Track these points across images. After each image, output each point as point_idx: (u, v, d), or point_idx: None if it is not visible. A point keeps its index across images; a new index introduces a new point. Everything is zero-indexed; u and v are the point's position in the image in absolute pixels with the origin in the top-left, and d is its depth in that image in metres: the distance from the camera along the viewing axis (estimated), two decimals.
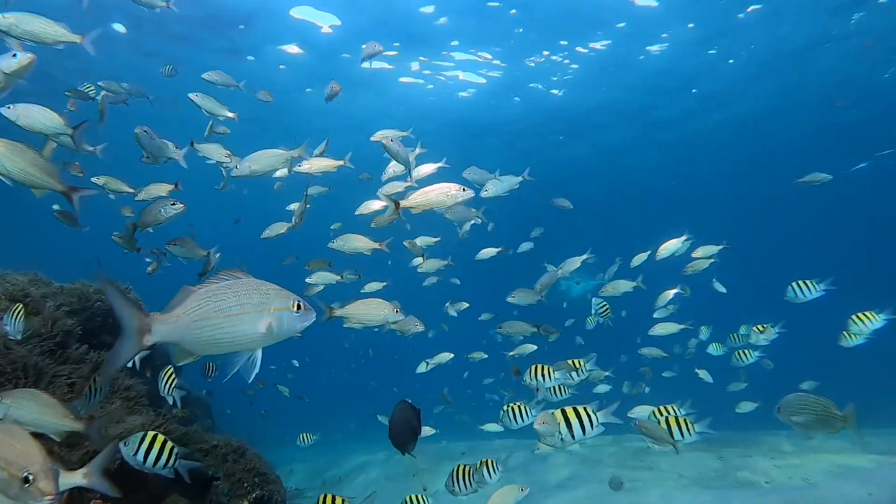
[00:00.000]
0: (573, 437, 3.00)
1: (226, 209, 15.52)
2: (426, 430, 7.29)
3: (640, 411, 6.45)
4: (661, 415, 3.83)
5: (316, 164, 4.57)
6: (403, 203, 3.62)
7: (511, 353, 6.67)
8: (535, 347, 6.48)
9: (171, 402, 4.44)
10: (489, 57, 13.88)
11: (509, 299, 5.80)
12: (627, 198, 25.53)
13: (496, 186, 4.27)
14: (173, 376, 4.46)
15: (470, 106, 16.46)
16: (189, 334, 1.95)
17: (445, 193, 3.40)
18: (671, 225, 6.44)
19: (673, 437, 3.66)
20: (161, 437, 2.87)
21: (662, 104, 16.75)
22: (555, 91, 15.86)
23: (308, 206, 4.92)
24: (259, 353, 2.05)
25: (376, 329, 3.76)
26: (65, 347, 4.24)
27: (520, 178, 4.45)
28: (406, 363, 8.07)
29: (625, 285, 6.07)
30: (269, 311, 2.00)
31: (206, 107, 5.11)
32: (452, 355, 6.87)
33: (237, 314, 1.96)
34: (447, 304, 7.64)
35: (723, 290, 7.27)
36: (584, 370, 4.52)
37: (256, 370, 2.02)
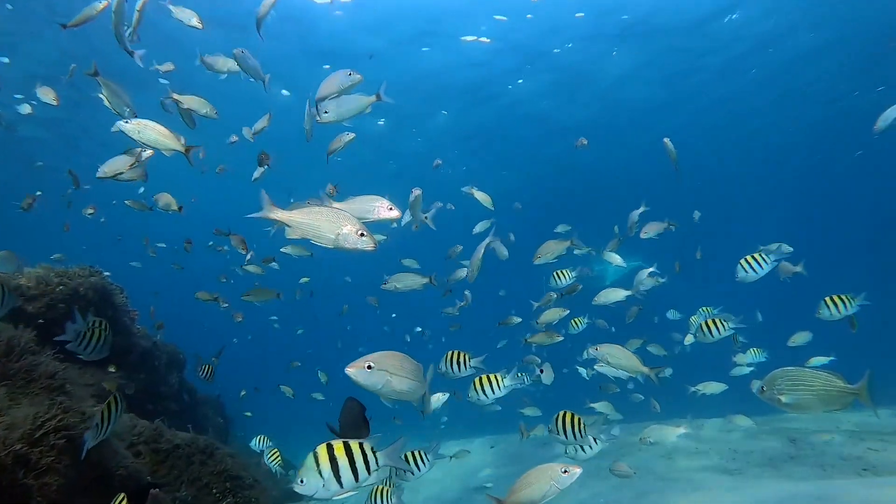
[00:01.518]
0: (340, 484, 2.04)
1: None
2: (439, 397, 6.49)
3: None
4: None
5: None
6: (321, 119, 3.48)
7: (537, 304, 6.25)
8: (567, 312, 5.62)
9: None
10: None
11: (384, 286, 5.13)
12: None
13: (338, 107, 3.25)
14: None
15: None
16: None
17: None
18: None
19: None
20: None
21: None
22: None
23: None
24: None
25: (327, 247, 2.59)
26: None
27: (373, 98, 3.37)
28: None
29: (557, 246, 5.24)
30: None
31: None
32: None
33: None
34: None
35: (790, 249, 6.14)
36: (501, 386, 3.81)
37: None
